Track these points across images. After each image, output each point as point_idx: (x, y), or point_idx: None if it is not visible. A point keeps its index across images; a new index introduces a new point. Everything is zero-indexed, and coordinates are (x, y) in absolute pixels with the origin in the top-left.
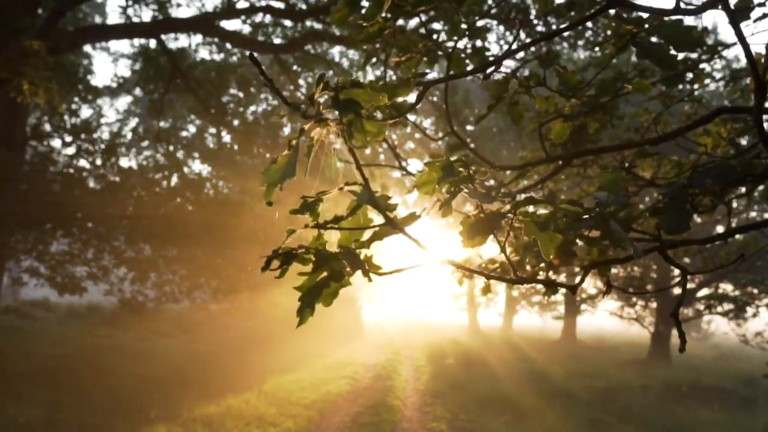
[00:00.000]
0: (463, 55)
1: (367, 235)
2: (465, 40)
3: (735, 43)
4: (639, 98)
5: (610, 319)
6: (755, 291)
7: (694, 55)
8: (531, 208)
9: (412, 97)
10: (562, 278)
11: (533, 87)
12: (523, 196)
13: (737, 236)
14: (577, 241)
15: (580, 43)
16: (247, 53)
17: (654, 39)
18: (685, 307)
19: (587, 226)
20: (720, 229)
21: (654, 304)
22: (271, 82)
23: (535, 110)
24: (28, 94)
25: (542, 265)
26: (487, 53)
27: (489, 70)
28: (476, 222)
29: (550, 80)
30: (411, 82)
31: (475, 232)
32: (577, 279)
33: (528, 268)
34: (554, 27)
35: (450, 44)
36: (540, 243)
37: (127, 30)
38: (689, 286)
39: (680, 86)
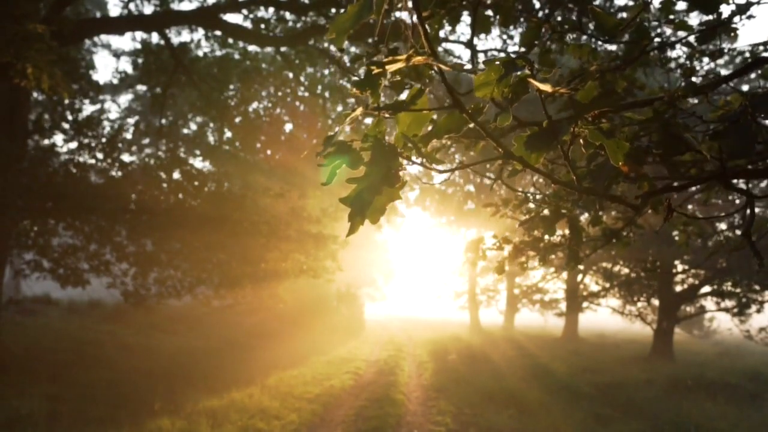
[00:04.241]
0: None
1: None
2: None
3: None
4: (654, 79)
5: (611, 317)
6: (757, 287)
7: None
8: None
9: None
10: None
11: (567, 33)
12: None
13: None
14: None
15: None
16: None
17: None
18: (686, 304)
19: (651, 135)
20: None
21: (656, 302)
22: None
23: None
24: (32, 78)
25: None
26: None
27: None
28: (537, 133)
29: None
30: None
31: (536, 143)
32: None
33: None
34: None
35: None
36: (608, 150)
37: (129, 22)
38: (692, 282)
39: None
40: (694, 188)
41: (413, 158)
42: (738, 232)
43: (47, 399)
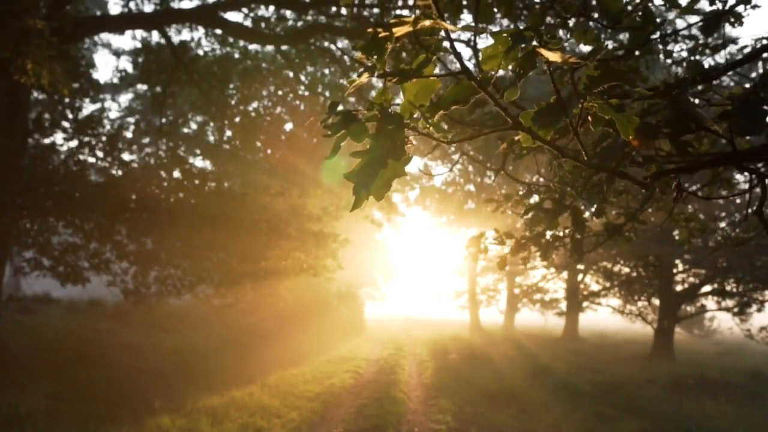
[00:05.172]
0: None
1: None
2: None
3: None
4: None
5: (612, 317)
6: (758, 285)
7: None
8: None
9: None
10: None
11: (571, 18)
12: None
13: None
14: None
15: None
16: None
17: None
18: (687, 304)
19: (663, 108)
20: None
21: (657, 301)
22: None
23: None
24: (31, 74)
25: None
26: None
27: None
28: (545, 108)
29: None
30: None
31: (545, 118)
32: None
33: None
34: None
35: None
36: (618, 124)
37: (129, 20)
38: (693, 281)
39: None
40: (694, 187)
41: (419, 129)
42: (738, 231)
43: (47, 397)
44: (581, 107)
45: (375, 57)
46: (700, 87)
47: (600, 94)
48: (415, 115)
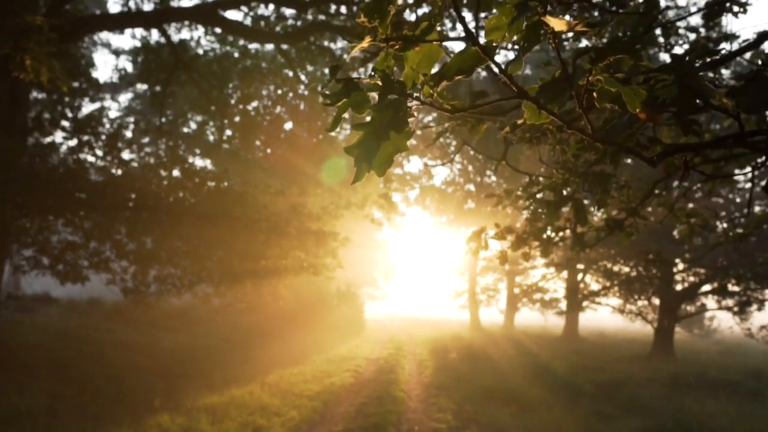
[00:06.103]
0: None
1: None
2: None
3: None
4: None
5: (612, 316)
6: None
7: None
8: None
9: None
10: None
11: (574, 3)
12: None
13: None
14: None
15: None
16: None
17: None
18: (687, 303)
19: (668, 87)
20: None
21: (657, 301)
22: None
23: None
24: (30, 71)
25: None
26: None
27: None
28: (551, 81)
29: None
30: None
31: (551, 91)
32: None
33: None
34: None
35: None
36: (624, 97)
37: (128, 19)
38: (693, 280)
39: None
40: (692, 187)
41: (422, 98)
42: (739, 230)
43: (46, 395)
44: (587, 81)
45: (377, 20)
46: (704, 72)
47: (606, 67)
48: (417, 85)
